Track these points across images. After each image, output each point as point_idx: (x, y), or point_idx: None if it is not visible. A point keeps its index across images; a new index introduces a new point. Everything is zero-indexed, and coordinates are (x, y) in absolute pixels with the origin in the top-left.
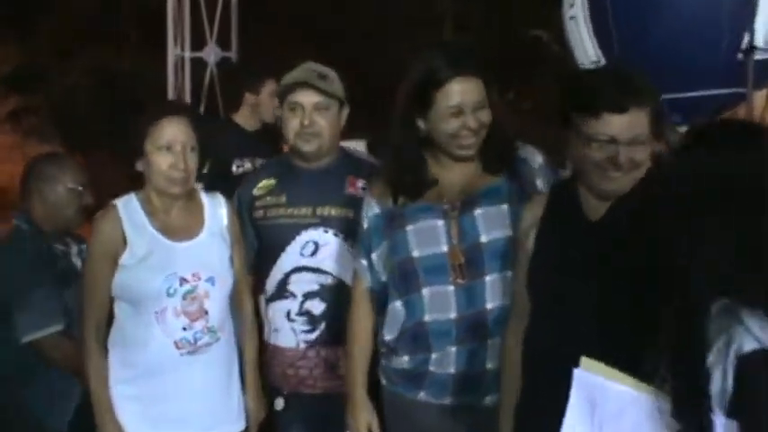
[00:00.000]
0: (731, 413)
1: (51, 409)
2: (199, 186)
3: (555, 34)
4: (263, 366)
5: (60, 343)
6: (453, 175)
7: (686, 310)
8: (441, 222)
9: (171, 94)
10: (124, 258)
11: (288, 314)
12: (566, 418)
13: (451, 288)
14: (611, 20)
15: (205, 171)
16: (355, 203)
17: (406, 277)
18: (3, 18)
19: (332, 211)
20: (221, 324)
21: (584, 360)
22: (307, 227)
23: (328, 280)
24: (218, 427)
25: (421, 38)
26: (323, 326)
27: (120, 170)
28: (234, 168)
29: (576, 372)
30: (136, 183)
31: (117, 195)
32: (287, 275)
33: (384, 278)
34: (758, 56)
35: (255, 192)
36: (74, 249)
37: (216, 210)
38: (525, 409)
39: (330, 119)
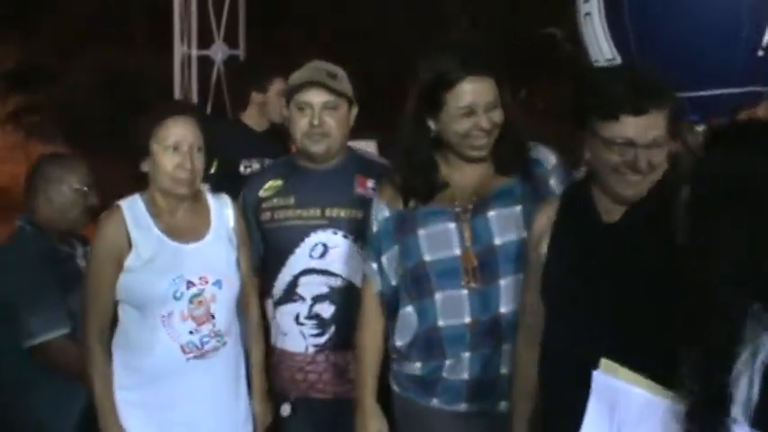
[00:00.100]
0: (756, 423)
1: (56, 414)
2: (205, 187)
3: (568, 32)
4: (269, 371)
5: (66, 347)
6: (465, 176)
7: (710, 315)
8: (453, 225)
9: (177, 93)
10: (129, 261)
11: (297, 317)
12: (584, 421)
13: (465, 292)
14: (627, 16)
15: (212, 172)
16: (365, 204)
17: (417, 282)
18: (5, 17)
19: (341, 213)
20: (228, 328)
21: (603, 362)
22: (315, 228)
23: (338, 282)
24: None
25: (432, 37)
26: (332, 329)
27: (123, 170)
28: (242, 169)
29: (595, 374)
30: (140, 183)
31: (121, 196)
32: (296, 278)
33: (394, 282)
34: None
35: (262, 193)
36: (79, 251)
37: (222, 211)
38: (543, 412)
39: (339, 118)
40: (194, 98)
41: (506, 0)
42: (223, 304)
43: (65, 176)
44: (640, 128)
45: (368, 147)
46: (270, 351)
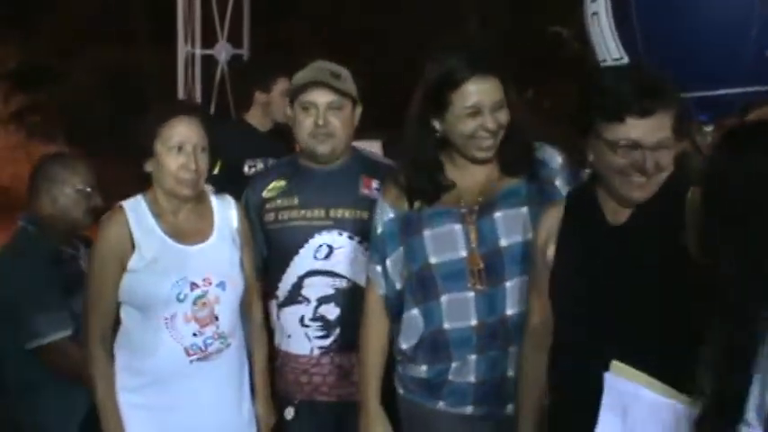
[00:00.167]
0: None
1: (60, 415)
2: (209, 188)
3: (575, 31)
4: (273, 373)
5: (68, 349)
6: (471, 177)
7: (727, 315)
8: (458, 227)
9: (181, 93)
10: (132, 262)
11: (301, 319)
12: (598, 424)
13: (471, 294)
14: (635, 16)
15: (216, 172)
16: (369, 205)
17: (423, 284)
18: (6, 17)
19: (345, 213)
20: (232, 330)
21: (614, 364)
22: (320, 229)
23: (343, 284)
24: None
25: (440, 36)
26: (337, 331)
27: (125, 170)
28: (246, 169)
29: (607, 376)
30: (143, 184)
31: (122, 196)
32: (300, 279)
33: (399, 285)
34: None
35: (265, 194)
36: (82, 252)
37: (226, 212)
38: (551, 414)
39: (344, 118)
40: (198, 98)
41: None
42: (227, 306)
43: (68, 177)
44: (647, 130)
45: (372, 147)
46: (273, 353)
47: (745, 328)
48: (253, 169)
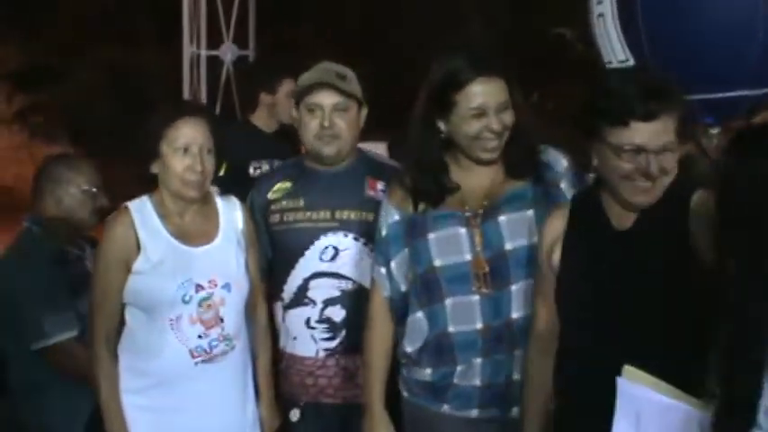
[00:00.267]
0: None
1: (66, 416)
2: (214, 189)
3: (579, 32)
4: (277, 375)
5: (74, 350)
6: (476, 179)
7: (735, 318)
8: (463, 230)
9: (186, 94)
10: (138, 263)
11: (307, 321)
12: (612, 429)
13: (476, 298)
14: (641, 18)
15: (221, 174)
16: (375, 206)
17: (428, 287)
18: (5, 17)
19: (351, 215)
20: (237, 332)
21: (626, 368)
22: (326, 231)
23: (349, 285)
24: None
25: (444, 37)
26: (343, 333)
27: (128, 171)
28: (251, 170)
29: (620, 381)
30: (146, 184)
31: (126, 197)
32: (306, 281)
33: (403, 288)
34: None
35: (270, 195)
36: (88, 252)
37: (231, 213)
38: (558, 419)
39: (349, 120)
40: (203, 99)
41: (518, 0)
42: (232, 308)
43: (72, 177)
44: (651, 134)
45: (378, 149)
46: (278, 355)
47: (750, 329)
48: (258, 171)
